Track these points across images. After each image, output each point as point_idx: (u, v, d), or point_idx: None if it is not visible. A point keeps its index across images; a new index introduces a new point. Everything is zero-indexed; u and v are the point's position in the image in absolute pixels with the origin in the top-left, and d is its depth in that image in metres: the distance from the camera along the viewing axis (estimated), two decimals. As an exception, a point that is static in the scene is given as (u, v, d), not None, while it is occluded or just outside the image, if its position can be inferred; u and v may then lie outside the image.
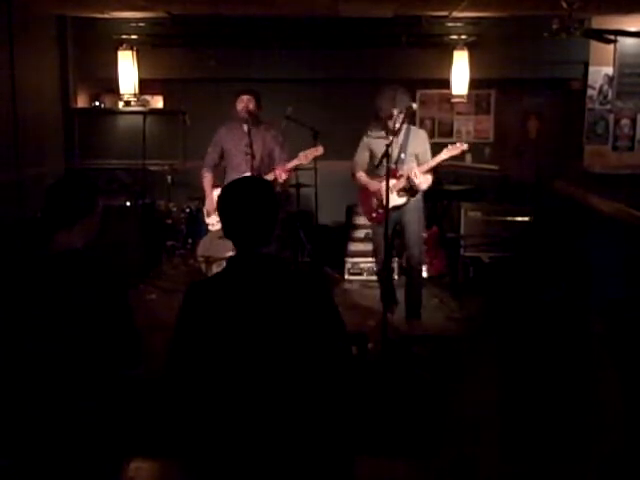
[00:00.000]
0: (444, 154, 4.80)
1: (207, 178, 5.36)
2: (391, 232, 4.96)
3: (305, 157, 5.16)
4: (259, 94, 5.10)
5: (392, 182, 4.72)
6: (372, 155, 4.98)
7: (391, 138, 4.67)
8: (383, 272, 5.14)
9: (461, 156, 5.13)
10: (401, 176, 4.83)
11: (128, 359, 2.38)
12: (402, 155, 4.86)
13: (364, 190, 5.08)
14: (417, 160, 4.90)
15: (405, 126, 4.79)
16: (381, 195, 4.79)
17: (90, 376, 2.29)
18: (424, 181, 4.82)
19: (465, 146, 4.88)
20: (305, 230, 6.39)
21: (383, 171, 4.58)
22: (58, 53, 6.84)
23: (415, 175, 4.75)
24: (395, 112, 4.68)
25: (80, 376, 2.27)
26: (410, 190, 4.88)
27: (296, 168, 5.43)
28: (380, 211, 4.93)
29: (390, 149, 4.53)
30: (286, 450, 1.94)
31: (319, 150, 5.17)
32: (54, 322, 2.23)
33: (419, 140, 4.94)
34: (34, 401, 2.26)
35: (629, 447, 3.20)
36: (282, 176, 5.10)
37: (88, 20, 6.78)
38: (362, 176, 5.07)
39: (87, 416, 2.28)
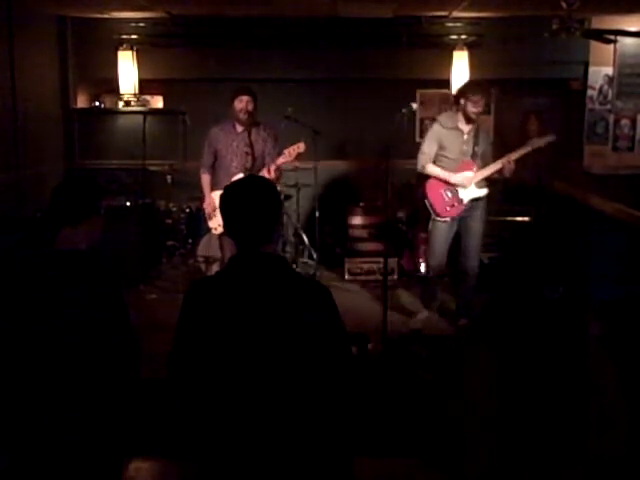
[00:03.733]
0: (529, 145, 4.86)
1: (205, 179, 5.26)
2: (454, 227, 5.01)
3: (289, 154, 5.07)
4: (256, 94, 5.07)
5: (469, 174, 4.88)
6: (440, 147, 4.90)
7: (462, 127, 4.83)
8: (436, 275, 5.07)
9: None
10: (477, 169, 4.89)
11: (125, 359, 2.37)
12: (476, 149, 4.91)
13: (434, 183, 4.93)
14: (482, 157, 4.95)
15: (477, 123, 4.93)
16: (456, 188, 4.88)
17: (89, 376, 2.29)
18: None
19: (553, 137, 4.93)
20: (305, 230, 6.39)
21: (450, 164, 4.79)
22: (58, 53, 6.84)
23: (509, 162, 4.80)
24: (478, 97, 4.75)
25: (79, 376, 2.27)
26: (487, 180, 4.94)
27: (295, 168, 5.39)
28: (456, 204, 4.89)
29: (464, 141, 4.83)
30: (286, 450, 1.94)
31: (301, 147, 5.05)
32: (53, 321, 2.23)
33: (487, 139, 5.08)
34: (33, 399, 2.26)
35: (629, 448, 3.20)
36: (271, 173, 5.03)
37: (88, 20, 6.77)
38: (435, 168, 4.92)
39: (87, 415, 2.28)
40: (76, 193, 2.42)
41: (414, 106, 4.88)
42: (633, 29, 6.59)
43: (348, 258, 6.39)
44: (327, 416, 2.00)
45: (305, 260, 6.35)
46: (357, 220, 6.51)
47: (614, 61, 6.87)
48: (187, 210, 6.47)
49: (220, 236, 5.25)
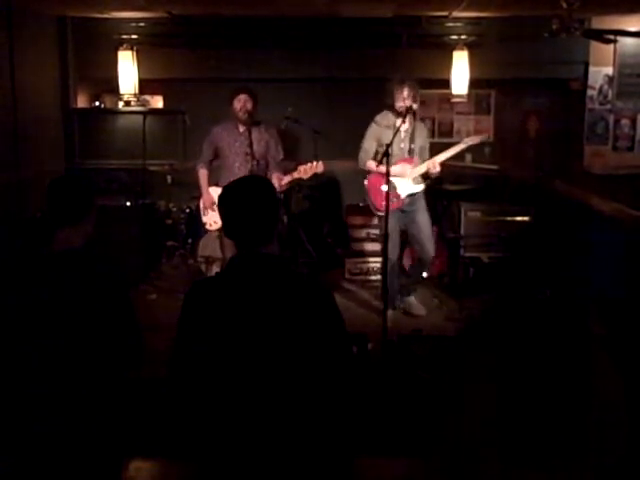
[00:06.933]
0: (463, 144, 5.08)
1: (203, 173, 5.32)
2: (402, 225, 5.22)
3: (304, 171, 5.07)
4: (256, 93, 5.08)
5: (407, 170, 5.06)
6: (379, 144, 5.07)
7: (399, 124, 4.90)
8: (393, 265, 5.20)
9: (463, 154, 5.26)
10: (415, 165, 5.06)
11: (129, 359, 2.37)
12: (412, 145, 5.10)
13: (375, 179, 5.09)
14: (421, 152, 5.13)
15: (412, 118, 5.07)
16: (394, 183, 5.01)
17: (90, 375, 2.28)
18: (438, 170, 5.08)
19: (486, 136, 5.24)
20: (305, 230, 6.39)
21: (392, 160, 4.82)
22: (58, 53, 6.84)
23: (435, 166, 5.00)
24: (407, 91, 4.90)
25: (80, 375, 2.27)
26: (423, 177, 5.13)
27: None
28: (394, 200, 5.03)
29: (401, 138, 4.99)
30: (286, 450, 1.94)
31: (319, 167, 5.06)
32: (55, 321, 2.23)
33: (423, 134, 5.24)
34: (33, 400, 2.26)
35: (630, 448, 3.19)
36: (276, 185, 5.05)
37: (88, 20, 6.77)
38: (374, 164, 5.06)
39: (87, 415, 2.28)
40: (75, 194, 2.41)
41: (414, 106, 4.91)
42: (633, 29, 6.59)
43: (348, 258, 6.39)
44: (328, 416, 2.00)
45: (305, 260, 6.35)
46: (357, 220, 6.50)
47: (614, 61, 6.87)
48: (187, 210, 6.46)
49: (220, 235, 5.26)
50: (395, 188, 5.06)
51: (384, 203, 4.95)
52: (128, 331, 2.34)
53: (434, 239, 5.39)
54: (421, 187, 5.13)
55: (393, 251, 5.11)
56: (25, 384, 2.26)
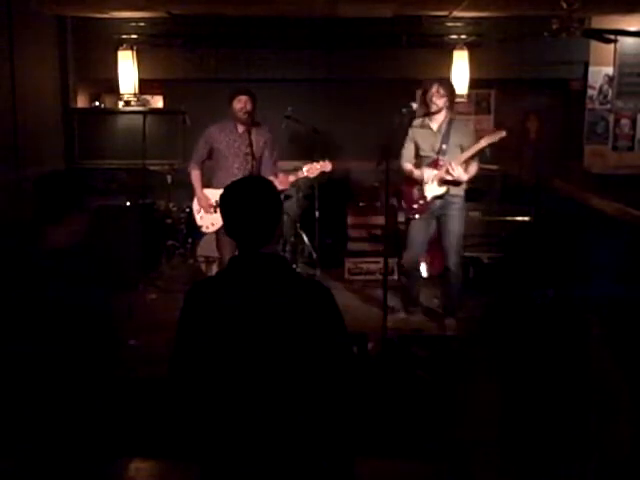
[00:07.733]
0: (483, 142, 4.93)
1: (196, 174, 5.22)
2: (431, 225, 5.16)
3: (310, 170, 5.05)
4: (255, 94, 5.08)
5: (434, 172, 4.98)
6: (417, 146, 5.07)
7: (438, 125, 4.93)
8: (411, 269, 5.23)
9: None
10: (442, 166, 4.95)
11: (103, 357, 2.36)
12: (444, 146, 4.97)
13: (407, 181, 5.09)
14: (462, 151, 4.98)
15: (448, 117, 5.00)
16: (421, 185, 5.00)
17: (72, 373, 2.28)
18: (462, 172, 4.90)
19: (503, 133, 5.01)
20: (305, 230, 6.39)
21: (425, 162, 4.95)
22: (58, 53, 6.83)
23: (452, 168, 4.85)
24: (435, 87, 4.89)
25: (64, 375, 2.26)
26: (451, 181, 4.97)
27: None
28: (421, 202, 5.02)
29: (434, 138, 4.95)
30: (287, 451, 1.94)
31: (327, 166, 5.05)
32: (36, 320, 2.23)
33: (464, 131, 5.08)
34: (21, 399, 2.25)
35: (632, 448, 3.19)
36: (279, 187, 5.05)
37: (88, 20, 6.77)
38: (408, 167, 5.08)
39: (74, 413, 2.28)
40: (58, 192, 2.40)
41: (414, 106, 4.90)
42: (633, 29, 6.59)
43: (348, 258, 6.39)
44: (328, 416, 2.00)
45: (305, 260, 6.35)
46: (357, 220, 6.50)
47: (614, 61, 6.87)
48: (187, 210, 6.46)
49: (218, 236, 5.22)
50: (422, 190, 5.02)
51: (414, 206, 5.05)
52: (104, 331, 2.33)
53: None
54: (443, 189, 4.97)
55: (412, 255, 5.16)
56: (12, 383, 2.26)
